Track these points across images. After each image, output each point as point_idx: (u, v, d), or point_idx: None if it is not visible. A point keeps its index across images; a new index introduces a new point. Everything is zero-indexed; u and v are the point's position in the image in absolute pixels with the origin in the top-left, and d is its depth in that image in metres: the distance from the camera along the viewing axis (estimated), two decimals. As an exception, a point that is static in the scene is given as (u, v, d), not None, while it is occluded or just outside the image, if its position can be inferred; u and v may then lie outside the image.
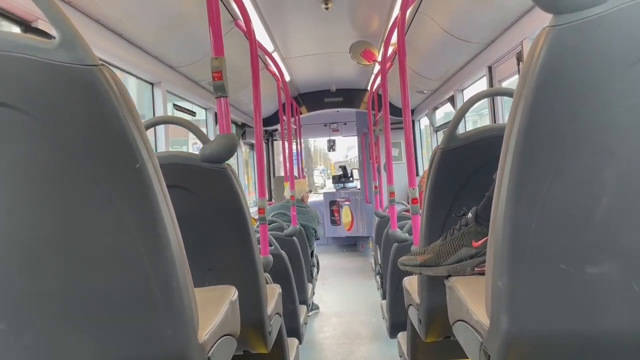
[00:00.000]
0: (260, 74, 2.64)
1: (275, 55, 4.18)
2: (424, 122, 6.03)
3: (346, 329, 3.90)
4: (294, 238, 3.49)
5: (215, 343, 0.97)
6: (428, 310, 1.45)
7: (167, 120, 2.13)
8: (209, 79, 1.87)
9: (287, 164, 4.77)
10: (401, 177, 4.40)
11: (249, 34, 2.53)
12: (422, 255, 1.30)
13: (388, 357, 3.18)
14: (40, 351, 0.77)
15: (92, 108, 0.71)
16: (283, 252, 2.89)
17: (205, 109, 4.39)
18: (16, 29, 1.80)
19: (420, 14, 3.09)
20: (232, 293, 1.19)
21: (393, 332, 2.80)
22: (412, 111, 5.69)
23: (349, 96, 6.31)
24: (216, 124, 4.36)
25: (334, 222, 7.56)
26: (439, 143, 1.45)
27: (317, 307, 4.48)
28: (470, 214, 1.23)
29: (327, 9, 3.25)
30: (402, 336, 2.25)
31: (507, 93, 1.60)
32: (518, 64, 2.75)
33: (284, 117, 4.77)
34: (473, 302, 1.00)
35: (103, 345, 0.78)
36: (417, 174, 5.34)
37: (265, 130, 6.66)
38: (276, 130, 6.82)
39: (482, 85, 3.64)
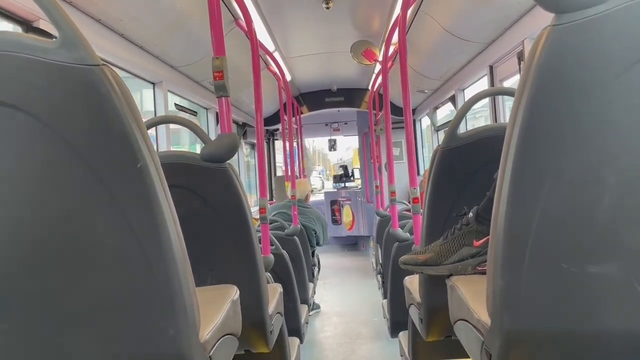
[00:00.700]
0: (261, 74, 2.64)
1: (276, 55, 4.18)
2: (425, 121, 6.03)
3: (347, 328, 3.90)
4: (295, 237, 3.48)
5: (216, 342, 0.97)
6: (429, 310, 1.45)
7: (168, 120, 2.12)
8: (210, 78, 1.87)
9: (289, 164, 4.77)
10: (402, 176, 4.40)
11: (250, 33, 2.53)
12: (423, 254, 1.30)
13: (389, 356, 3.18)
14: (41, 351, 0.77)
15: (93, 108, 0.71)
16: (284, 252, 2.89)
17: (207, 109, 4.39)
18: (17, 29, 1.80)
19: (422, 14, 3.09)
20: (234, 292, 1.19)
21: (394, 331, 2.80)
22: (413, 111, 5.70)
23: (350, 96, 6.30)
24: (217, 123, 4.36)
25: (335, 222, 7.57)
26: (439, 143, 1.45)
27: (318, 307, 4.48)
28: (471, 214, 1.23)
29: (327, 8, 3.25)
30: (403, 335, 2.24)
31: (508, 92, 1.61)
32: (519, 64, 2.74)
33: (285, 117, 4.77)
34: (474, 301, 1.00)
35: (105, 345, 0.78)
36: (418, 174, 5.34)
37: (267, 130, 6.66)
38: (277, 129, 6.82)
39: (483, 84, 3.63)
